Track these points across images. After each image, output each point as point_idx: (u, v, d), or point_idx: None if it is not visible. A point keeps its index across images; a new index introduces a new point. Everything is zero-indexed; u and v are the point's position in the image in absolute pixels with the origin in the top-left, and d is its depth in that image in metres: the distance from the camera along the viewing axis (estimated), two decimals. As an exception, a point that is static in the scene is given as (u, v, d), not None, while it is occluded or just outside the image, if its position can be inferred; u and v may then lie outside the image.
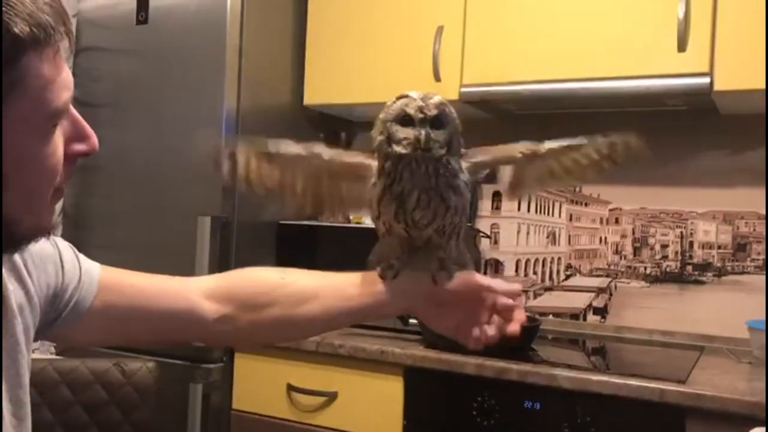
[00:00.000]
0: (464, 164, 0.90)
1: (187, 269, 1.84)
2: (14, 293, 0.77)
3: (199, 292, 0.94)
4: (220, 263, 1.85)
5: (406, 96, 0.87)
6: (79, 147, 0.69)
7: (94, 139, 0.70)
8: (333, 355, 1.73)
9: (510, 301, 0.91)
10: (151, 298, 0.91)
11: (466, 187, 0.89)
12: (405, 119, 0.86)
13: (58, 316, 0.84)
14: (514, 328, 0.91)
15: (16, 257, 0.78)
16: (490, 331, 0.91)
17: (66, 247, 0.86)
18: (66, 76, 0.65)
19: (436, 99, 0.86)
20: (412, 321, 1.77)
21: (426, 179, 0.86)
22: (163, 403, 1.37)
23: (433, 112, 0.86)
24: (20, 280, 0.79)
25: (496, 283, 0.92)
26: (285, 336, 1.11)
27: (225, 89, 1.89)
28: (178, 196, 1.93)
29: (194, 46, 1.92)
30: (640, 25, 1.70)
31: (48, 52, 0.61)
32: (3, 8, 0.57)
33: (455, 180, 0.88)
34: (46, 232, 0.69)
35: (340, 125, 2.27)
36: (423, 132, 0.85)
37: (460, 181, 0.88)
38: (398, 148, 0.86)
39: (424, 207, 0.87)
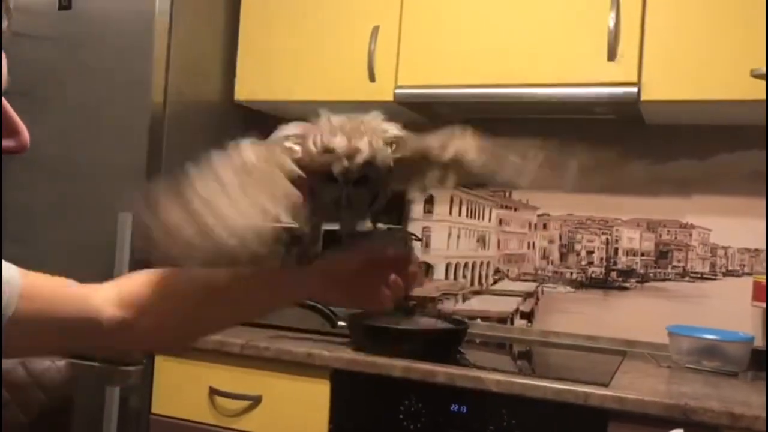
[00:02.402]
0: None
1: (107, 268, 1.75)
2: None
3: (102, 298, 0.88)
4: (142, 262, 1.77)
5: (332, 151, 0.82)
6: (7, 143, 0.63)
7: (26, 135, 0.64)
8: (258, 358, 1.69)
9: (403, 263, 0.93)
10: (60, 304, 0.85)
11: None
12: (330, 177, 0.82)
13: None
14: (413, 286, 0.94)
15: None
16: (391, 290, 0.91)
17: None
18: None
19: (362, 157, 0.81)
20: (341, 323, 1.74)
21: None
22: (77, 406, 1.30)
23: (356, 175, 0.82)
24: None
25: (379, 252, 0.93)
26: (191, 338, 1.07)
27: (152, 81, 1.82)
28: (98, 190, 1.84)
29: (120, 35, 1.84)
30: (571, 34, 1.73)
31: None
32: None
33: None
34: None
35: (272, 123, 2.23)
36: (344, 193, 0.82)
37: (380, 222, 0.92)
38: (323, 207, 0.85)
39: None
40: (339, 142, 0.82)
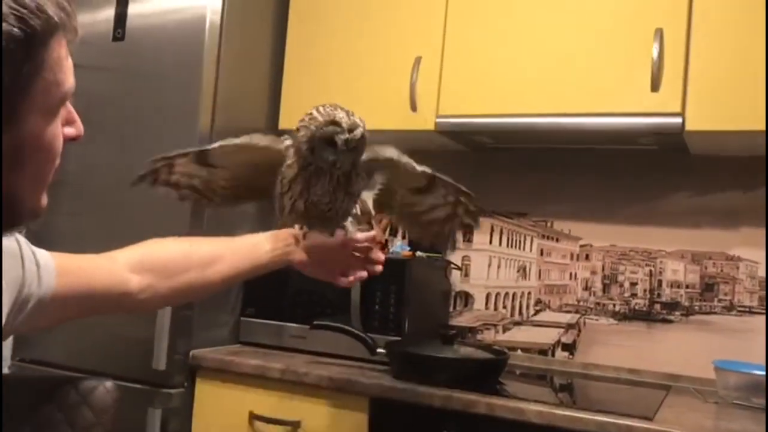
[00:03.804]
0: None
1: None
2: None
3: (124, 266, 1.06)
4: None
5: (337, 123, 1.08)
6: (69, 131, 0.72)
7: (80, 124, 0.74)
8: (297, 383, 1.70)
9: (366, 244, 1.26)
10: (93, 281, 1.00)
11: (359, 185, 1.16)
12: (331, 142, 1.08)
13: (20, 312, 0.88)
14: (373, 270, 1.29)
15: None
16: (358, 272, 1.27)
17: (25, 245, 0.89)
18: (71, 61, 0.68)
19: (358, 132, 1.08)
20: (380, 350, 1.74)
21: (329, 180, 1.12)
22: (119, 427, 1.32)
23: (353, 144, 1.09)
24: None
25: (357, 236, 1.25)
26: (200, 295, 1.29)
27: (199, 110, 1.86)
28: (146, 217, 1.88)
29: (170, 65, 1.90)
30: (614, 64, 1.73)
31: (63, 37, 0.65)
32: None
33: (350, 184, 1.14)
34: (39, 215, 0.71)
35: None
36: (341, 158, 1.09)
37: (355, 184, 1.15)
38: (320, 163, 1.10)
39: (323, 194, 1.13)
40: (342, 117, 1.08)
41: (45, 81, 0.63)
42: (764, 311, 1.88)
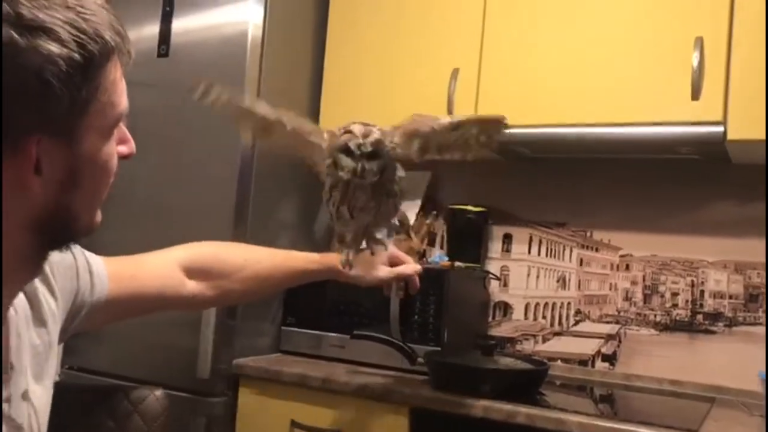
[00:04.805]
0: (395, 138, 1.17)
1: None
2: (47, 302, 0.82)
3: (179, 270, 1.13)
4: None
5: (350, 132, 1.12)
6: (123, 149, 0.76)
7: (133, 143, 0.78)
8: (339, 393, 1.71)
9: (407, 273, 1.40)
10: (146, 284, 1.07)
11: (395, 193, 1.19)
12: (348, 151, 1.11)
13: (74, 319, 0.92)
14: (413, 289, 1.44)
15: (46, 267, 0.82)
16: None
17: (79, 253, 0.93)
18: (125, 83, 0.71)
19: (373, 137, 1.11)
20: (420, 360, 1.75)
21: (363, 190, 1.15)
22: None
23: (369, 149, 1.11)
24: (50, 289, 0.84)
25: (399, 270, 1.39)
26: (247, 302, 1.52)
27: (241, 124, 1.90)
28: (190, 230, 1.90)
29: (214, 80, 1.94)
30: (654, 73, 1.72)
31: (118, 60, 0.68)
32: (87, 14, 0.64)
33: (386, 193, 1.17)
34: (93, 231, 0.75)
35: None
36: (359, 164, 1.11)
37: (391, 193, 1.18)
38: (341, 174, 1.13)
39: (366, 199, 1.15)
40: (356, 126, 1.13)
41: (101, 103, 0.67)
42: (811, 322, 1.84)
